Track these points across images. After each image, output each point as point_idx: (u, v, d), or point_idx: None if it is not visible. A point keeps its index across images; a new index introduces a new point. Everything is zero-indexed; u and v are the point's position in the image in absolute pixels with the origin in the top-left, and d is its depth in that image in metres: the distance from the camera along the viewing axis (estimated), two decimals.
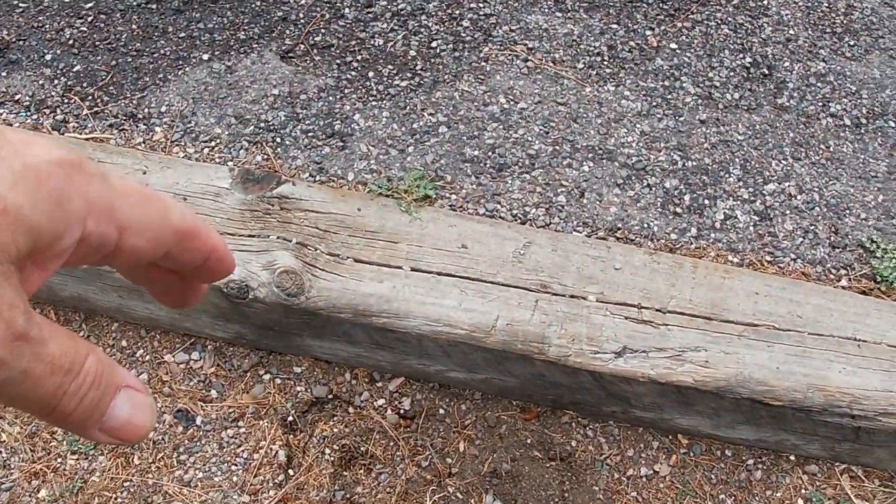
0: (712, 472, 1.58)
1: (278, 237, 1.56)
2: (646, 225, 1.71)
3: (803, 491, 1.56)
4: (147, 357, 1.74)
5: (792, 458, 1.59)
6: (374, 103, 1.88)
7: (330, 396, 1.65)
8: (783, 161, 1.85)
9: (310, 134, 1.81)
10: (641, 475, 1.58)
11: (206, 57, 1.97)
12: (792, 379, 1.42)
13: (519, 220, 1.70)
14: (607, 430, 1.62)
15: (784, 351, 1.46)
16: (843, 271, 1.67)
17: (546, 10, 2.11)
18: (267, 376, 1.68)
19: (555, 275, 1.52)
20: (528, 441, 1.60)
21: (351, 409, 1.63)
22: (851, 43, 2.15)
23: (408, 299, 1.49)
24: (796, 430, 1.50)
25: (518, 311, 1.49)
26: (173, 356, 1.73)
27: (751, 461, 1.59)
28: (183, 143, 1.84)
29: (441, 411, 1.63)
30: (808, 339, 1.47)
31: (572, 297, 1.50)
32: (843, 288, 1.65)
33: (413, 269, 1.55)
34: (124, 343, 1.76)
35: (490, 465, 1.58)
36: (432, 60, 1.98)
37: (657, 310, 1.49)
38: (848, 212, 1.77)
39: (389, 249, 1.57)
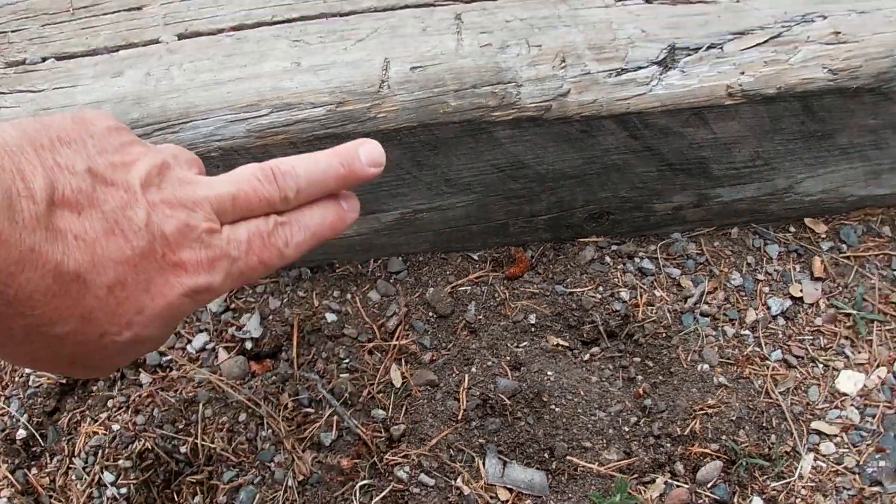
0: (888, 268, 0.78)
1: None
2: None
3: None
4: None
5: None
6: None
7: None
8: None
9: None
10: (773, 315, 0.76)
11: None
12: None
13: None
14: (675, 252, 0.79)
15: None
16: None
17: None
18: None
19: None
20: (533, 315, 0.76)
21: (145, 377, 0.76)
22: None
23: (181, 87, 0.66)
24: None
25: (425, 40, 0.66)
26: None
27: None
28: None
29: (330, 318, 0.77)
30: None
31: None
32: None
33: (183, 36, 0.71)
34: None
35: (477, 388, 0.73)
36: None
37: None
38: None
39: (128, 20, 0.73)
